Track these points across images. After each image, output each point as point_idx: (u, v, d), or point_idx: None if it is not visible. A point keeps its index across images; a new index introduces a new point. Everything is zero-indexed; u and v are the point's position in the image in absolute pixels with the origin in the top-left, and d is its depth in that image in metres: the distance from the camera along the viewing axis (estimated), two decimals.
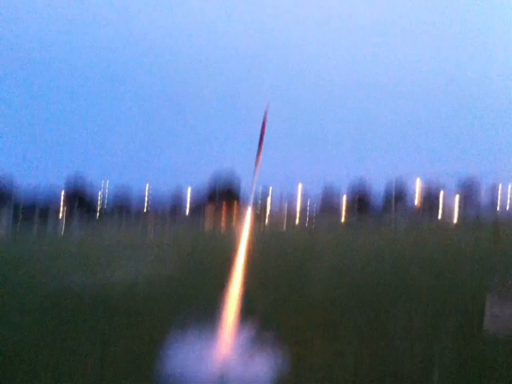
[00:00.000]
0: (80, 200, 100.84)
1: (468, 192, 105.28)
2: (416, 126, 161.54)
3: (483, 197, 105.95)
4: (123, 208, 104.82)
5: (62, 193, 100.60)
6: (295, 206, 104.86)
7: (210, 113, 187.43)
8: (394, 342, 10.44)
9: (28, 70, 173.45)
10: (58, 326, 12.42)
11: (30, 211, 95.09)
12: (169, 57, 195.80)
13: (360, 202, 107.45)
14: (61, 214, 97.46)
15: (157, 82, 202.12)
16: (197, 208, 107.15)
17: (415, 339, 10.59)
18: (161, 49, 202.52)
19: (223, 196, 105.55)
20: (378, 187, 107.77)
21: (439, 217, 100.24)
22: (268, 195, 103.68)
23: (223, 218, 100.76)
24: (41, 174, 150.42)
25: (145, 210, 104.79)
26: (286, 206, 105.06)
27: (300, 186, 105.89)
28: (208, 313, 9.89)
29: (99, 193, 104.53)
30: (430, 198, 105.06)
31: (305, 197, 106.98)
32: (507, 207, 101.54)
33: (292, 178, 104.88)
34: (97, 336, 11.18)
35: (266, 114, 9.21)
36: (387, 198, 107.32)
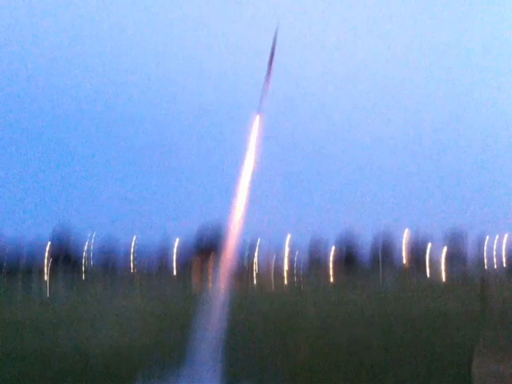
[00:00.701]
0: (65, 255, 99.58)
1: (455, 244, 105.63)
2: (403, 179, 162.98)
3: (470, 249, 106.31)
4: (109, 262, 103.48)
5: (47, 246, 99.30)
6: (283, 259, 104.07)
7: (197, 164, 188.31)
8: None
9: (9, 121, 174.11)
10: None
11: (14, 266, 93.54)
12: (155, 108, 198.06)
13: (347, 255, 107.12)
14: (45, 270, 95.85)
15: (144, 132, 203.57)
16: (184, 260, 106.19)
17: None
18: (145, 98, 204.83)
19: (210, 248, 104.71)
20: (365, 238, 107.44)
21: (427, 274, 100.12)
22: (255, 247, 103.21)
23: (210, 273, 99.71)
24: (26, 224, 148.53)
25: (131, 265, 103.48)
26: (273, 258, 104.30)
27: (288, 237, 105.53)
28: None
29: (85, 245, 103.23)
30: (418, 252, 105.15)
31: (292, 248, 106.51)
32: (494, 260, 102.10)
33: (280, 229, 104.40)
34: None
35: (275, 38, 8.52)
36: (375, 251, 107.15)
